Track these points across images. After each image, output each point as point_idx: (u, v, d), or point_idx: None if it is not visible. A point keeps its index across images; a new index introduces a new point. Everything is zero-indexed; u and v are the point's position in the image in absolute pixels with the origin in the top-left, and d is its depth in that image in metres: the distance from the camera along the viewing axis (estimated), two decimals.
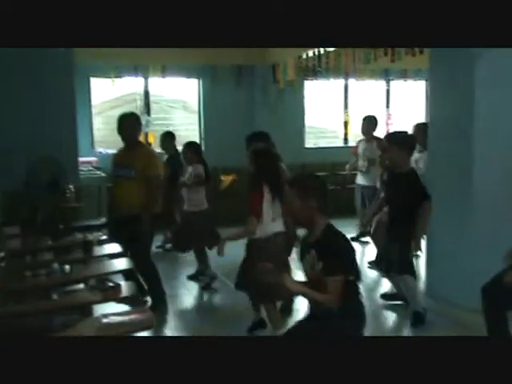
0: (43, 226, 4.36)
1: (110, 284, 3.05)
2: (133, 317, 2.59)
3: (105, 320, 2.58)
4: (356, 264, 2.58)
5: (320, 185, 2.63)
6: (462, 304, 4.29)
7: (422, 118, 9.11)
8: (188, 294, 5.15)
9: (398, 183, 4.21)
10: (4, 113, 5.56)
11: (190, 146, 5.41)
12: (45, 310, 2.94)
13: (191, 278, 5.42)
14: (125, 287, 3.04)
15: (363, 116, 6.75)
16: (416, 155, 5.96)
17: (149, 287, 4.34)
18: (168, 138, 6.60)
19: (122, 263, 3.68)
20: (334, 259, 2.43)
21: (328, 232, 2.52)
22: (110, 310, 2.77)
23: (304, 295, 2.53)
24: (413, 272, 4.25)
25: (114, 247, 4.05)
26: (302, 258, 2.63)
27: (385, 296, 4.70)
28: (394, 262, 4.21)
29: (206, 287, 5.20)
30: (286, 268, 3.75)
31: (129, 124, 4.43)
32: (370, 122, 6.60)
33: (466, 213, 4.40)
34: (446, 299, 4.52)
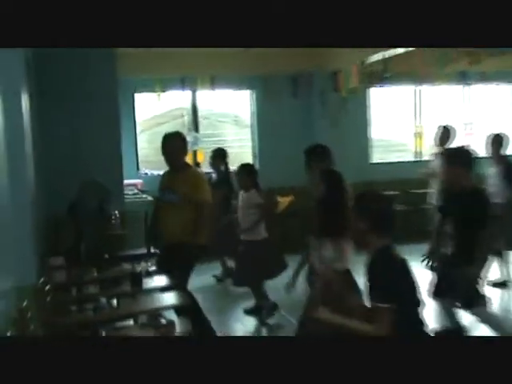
0: (88, 256, 4.50)
1: (163, 321, 3.09)
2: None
3: None
4: (409, 292, 2.56)
5: (376, 203, 2.64)
6: None
7: (508, 125, 8.86)
8: (243, 331, 5.15)
9: (458, 205, 4.09)
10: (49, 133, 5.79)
11: (245, 168, 5.43)
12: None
13: (248, 312, 5.39)
14: (179, 324, 3.07)
15: (437, 126, 6.62)
16: (493, 169, 5.78)
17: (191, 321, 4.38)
18: (219, 155, 6.69)
19: (174, 297, 3.72)
20: (380, 285, 2.45)
21: (381, 255, 2.52)
22: None
23: (344, 327, 2.54)
24: (484, 301, 4.12)
25: (165, 280, 4.11)
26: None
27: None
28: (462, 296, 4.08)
29: (265, 319, 5.19)
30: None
31: (173, 145, 4.53)
32: (443, 133, 6.45)
33: None
34: None
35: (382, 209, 2.64)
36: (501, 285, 5.85)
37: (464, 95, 9.20)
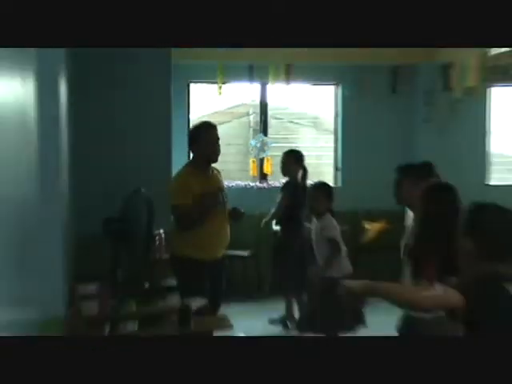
0: (126, 284, 4.56)
1: None
2: None
3: None
4: None
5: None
6: None
7: None
8: None
9: None
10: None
11: (319, 187, 5.45)
12: None
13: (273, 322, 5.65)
14: None
15: None
16: None
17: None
18: (293, 158, 6.67)
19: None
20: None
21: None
22: None
23: None
24: None
25: (222, 319, 4.13)
26: None
27: None
28: None
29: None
30: None
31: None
32: None
33: None
34: None
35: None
36: None
37: None
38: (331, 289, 5.14)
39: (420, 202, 3.85)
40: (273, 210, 6.66)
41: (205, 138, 5.10)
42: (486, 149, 8.68)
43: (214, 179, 5.14)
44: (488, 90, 8.46)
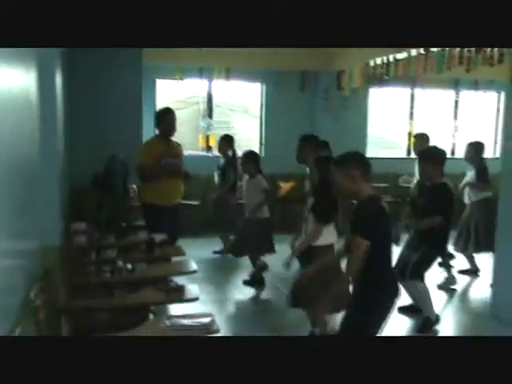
0: (108, 224, 4.48)
1: (174, 285, 3.08)
2: (196, 321, 2.60)
3: (168, 322, 2.61)
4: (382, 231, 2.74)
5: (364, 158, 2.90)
6: None
7: (491, 130, 8.80)
8: (242, 298, 5.18)
9: (427, 195, 4.44)
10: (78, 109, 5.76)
11: (250, 156, 5.42)
12: (109, 307, 3.01)
13: (246, 283, 5.43)
14: (189, 289, 3.07)
15: (414, 133, 6.64)
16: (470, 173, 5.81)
17: None
18: (227, 141, 6.62)
19: (185, 264, 3.72)
20: (363, 222, 2.68)
21: (368, 200, 2.73)
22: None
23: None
24: (422, 277, 4.39)
25: (178, 248, 4.11)
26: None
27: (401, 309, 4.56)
28: (408, 268, 4.33)
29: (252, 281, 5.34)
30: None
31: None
32: (421, 140, 6.40)
33: None
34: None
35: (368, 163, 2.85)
36: (468, 272, 5.92)
37: (455, 100, 9.12)
38: (256, 225, 5.26)
39: (313, 167, 3.92)
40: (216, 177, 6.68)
41: (165, 118, 5.03)
42: (366, 132, 8.81)
43: (173, 148, 5.08)
44: (368, 90, 8.55)
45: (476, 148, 5.74)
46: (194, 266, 3.58)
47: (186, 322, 2.61)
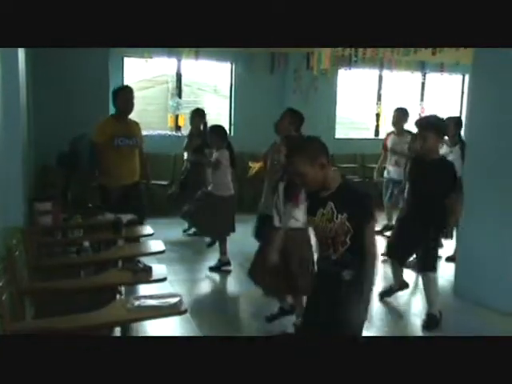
0: (74, 203, 4.38)
1: (141, 266, 3.04)
2: (164, 301, 2.57)
3: (136, 302, 2.57)
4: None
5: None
6: (492, 306, 4.21)
7: (456, 112, 8.93)
8: (209, 279, 5.17)
9: (430, 171, 3.94)
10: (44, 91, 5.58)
11: (215, 129, 5.35)
12: (75, 288, 2.95)
13: (213, 269, 5.33)
14: (156, 269, 3.02)
15: (395, 108, 6.59)
16: (445, 149, 5.83)
17: None
18: (198, 114, 6.52)
19: (153, 245, 3.67)
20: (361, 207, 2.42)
21: (346, 183, 2.50)
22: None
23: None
24: (435, 268, 4.10)
25: (145, 229, 4.05)
26: (314, 213, 2.53)
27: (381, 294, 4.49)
28: (418, 258, 4.11)
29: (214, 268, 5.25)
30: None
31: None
32: (401, 114, 6.43)
33: (501, 212, 4.29)
34: (475, 300, 4.42)
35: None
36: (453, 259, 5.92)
37: (421, 82, 9.22)
38: (221, 203, 5.19)
39: (284, 147, 3.86)
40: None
41: (121, 96, 4.84)
42: (335, 113, 8.81)
43: (129, 127, 4.86)
44: (337, 71, 8.54)
45: (455, 123, 5.65)
46: (162, 246, 3.53)
47: (153, 302, 2.57)
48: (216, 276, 5.21)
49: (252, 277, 3.82)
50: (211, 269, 5.29)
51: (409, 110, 6.51)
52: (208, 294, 4.85)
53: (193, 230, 6.49)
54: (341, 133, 8.92)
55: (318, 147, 2.49)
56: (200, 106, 8.24)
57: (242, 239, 5.21)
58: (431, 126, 3.95)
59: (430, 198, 3.94)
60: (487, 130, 4.46)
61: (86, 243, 3.50)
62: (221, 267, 5.28)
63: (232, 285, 5.09)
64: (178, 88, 8.10)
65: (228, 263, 5.31)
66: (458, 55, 5.97)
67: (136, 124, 5.01)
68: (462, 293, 4.67)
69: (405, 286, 4.53)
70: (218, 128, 5.42)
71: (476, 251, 4.54)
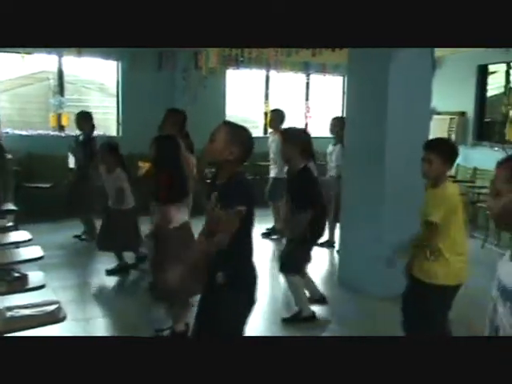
0: None
1: (16, 274, 2.85)
2: (40, 309, 2.44)
3: (8, 313, 2.42)
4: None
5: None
6: (371, 292, 4.50)
7: (339, 111, 9.41)
8: (103, 284, 4.99)
9: (292, 181, 4.11)
10: None
11: (107, 147, 5.02)
12: None
13: (110, 272, 5.14)
14: (32, 277, 2.85)
15: (271, 109, 6.83)
16: (330, 148, 6.22)
17: None
18: (84, 117, 6.23)
19: (29, 252, 3.45)
20: (231, 195, 2.42)
21: (236, 177, 2.50)
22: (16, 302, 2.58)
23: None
24: (295, 272, 4.17)
25: (22, 235, 3.80)
26: (208, 198, 2.56)
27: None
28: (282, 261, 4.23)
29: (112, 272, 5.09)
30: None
31: None
32: (276, 115, 6.66)
33: (376, 203, 4.59)
34: (356, 288, 4.70)
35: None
36: (326, 245, 6.25)
37: (306, 82, 9.59)
38: (120, 217, 4.98)
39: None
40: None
41: None
42: (225, 111, 8.84)
43: None
44: (225, 71, 8.61)
45: (340, 122, 5.87)
46: (39, 252, 3.34)
47: (27, 311, 2.43)
48: (108, 280, 5.04)
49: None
50: (109, 272, 5.10)
51: (283, 111, 6.71)
52: (96, 298, 4.66)
53: (84, 231, 6.22)
54: None
55: (243, 140, 2.52)
56: (85, 105, 7.96)
57: None
58: (289, 137, 4.05)
59: (292, 205, 4.10)
60: (360, 125, 4.76)
61: None
62: (119, 271, 5.11)
63: (125, 289, 4.96)
64: (60, 86, 7.68)
65: (126, 267, 5.15)
66: (338, 57, 6.26)
67: None
68: (344, 282, 4.94)
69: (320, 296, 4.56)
70: (110, 146, 5.07)
71: (354, 242, 4.83)
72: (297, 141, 4.02)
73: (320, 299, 4.49)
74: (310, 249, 4.23)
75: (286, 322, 4.11)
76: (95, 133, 6.24)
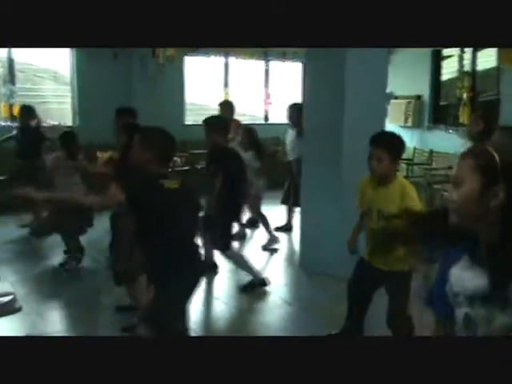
0: None
1: None
2: None
3: None
4: None
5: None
6: (333, 274, 4.59)
7: (298, 97, 9.47)
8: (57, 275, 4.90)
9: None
10: None
11: (67, 138, 4.99)
12: None
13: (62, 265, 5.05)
14: None
15: (219, 102, 6.80)
16: (289, 133, 6.27)
17: None
18: (27, 111, 6.09)
19: None
20: None
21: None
22: None
23: None
24: (227, 246, 4.43)
25: None
26: None
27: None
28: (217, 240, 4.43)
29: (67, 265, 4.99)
30: None
31: None
32: (225, 108, 6.61)
33: (335, 188, 4.67)
34: (318, 271, 4.78)
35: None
36: (284, 229, 6.33)
37: (265, 69, 9.59)
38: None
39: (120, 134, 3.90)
40: None
41: None
42: (184, 99, 8.81)
43: None
44: (183, 58, 8.52)
45: (297, 109, 5.93)
46: None
47: None
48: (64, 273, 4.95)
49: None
50: (61, 265, 5.01)
51: (233, 103, 6.70)
52: (55, 290, 4.58)
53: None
54: (190, 119, 8.95)
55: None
56: (39, 94, 7.73)
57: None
58: (210, 124, 4.57)
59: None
60: (318, 116, 4.82)
61: None
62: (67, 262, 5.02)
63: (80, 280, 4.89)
64: (11, 74, 7.43)
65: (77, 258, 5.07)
66: None
67: None
68: (306, 265, 5.01)
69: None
70: (68, 134, 5.09)
71: (315, 224, 4.90)
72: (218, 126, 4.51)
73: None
74: (230, 223, 4.50)
75: (242, 290, 4.37)
76: (49, 122, 6.10)
